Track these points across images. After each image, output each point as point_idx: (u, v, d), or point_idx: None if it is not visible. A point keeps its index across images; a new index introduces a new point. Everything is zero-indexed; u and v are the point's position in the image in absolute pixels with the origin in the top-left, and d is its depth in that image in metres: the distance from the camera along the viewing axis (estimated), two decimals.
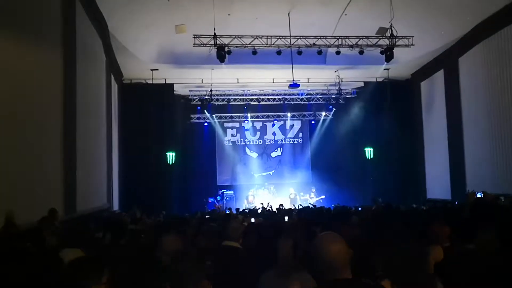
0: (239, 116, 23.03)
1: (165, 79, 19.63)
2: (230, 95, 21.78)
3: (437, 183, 19.05)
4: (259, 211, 14.09)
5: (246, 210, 14.32)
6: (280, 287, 3.57)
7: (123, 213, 13.74)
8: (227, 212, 15.11)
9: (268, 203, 17.38)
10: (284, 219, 9.67)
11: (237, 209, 15.31)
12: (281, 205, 16.00)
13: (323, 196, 20.94)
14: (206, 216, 11.44)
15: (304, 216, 10.19)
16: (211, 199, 21.48)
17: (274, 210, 14.34)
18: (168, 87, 20.15)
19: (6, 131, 7.29)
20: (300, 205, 17.06)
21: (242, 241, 4.93)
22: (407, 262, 2.84)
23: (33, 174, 8.29)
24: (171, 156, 20.19)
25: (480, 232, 3.72)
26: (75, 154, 10.62)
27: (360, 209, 12.80)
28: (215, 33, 14.08)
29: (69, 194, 10.23)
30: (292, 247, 3.90)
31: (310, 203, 18.60)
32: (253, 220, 8.98)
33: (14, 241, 4.68)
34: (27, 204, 7.58)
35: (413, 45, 15.39)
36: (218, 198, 21.61)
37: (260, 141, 24.02)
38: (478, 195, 13.40)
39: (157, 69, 18.15)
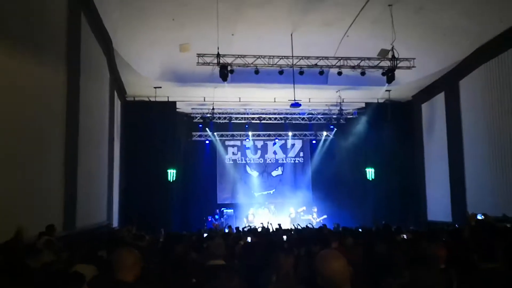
0: (240, 134, 23.11)
1: (168, 97, 19.75)
2: (231, 113, 21.90)
3: (438, 204, 18.99)
4: (259, 230, 14.03)
5: (246, 229, 14.25)
6: None
7: (122, 230, 13.70)
8: (226, 230, 15.05)
9: (268, 222, 17.30)
10: (283, 238, 9.65)
11: (237, 228, 15.23)
12: (279, 224, 15.92)
13: (325, 216, 20.85)
14: (205, 234, 11.39)
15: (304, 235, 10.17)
16: (210, 217, 21.39)
17: (274, 229, 14.29)
18: (170, 105, 20.27)
19: (7, 146, 7.30)
20: (298, 224, 16.98)
21: (239, 259, 4.93)
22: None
23: (33, 189, 8.29)
24: (172, 173, 20.18)
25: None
26: (76, 170, 10.63)
27: (360, 230, 12.77)
28: (218, 52, 14.22)
29: (69, 210, 10.20)
30: (293, 264, 3.92)
31: (310, 223, 18.52)
32: (249, 239, 8.93)
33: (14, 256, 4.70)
34: (27, 220, 7.55)
35: (414, 67, 15.50)
36: (216, 216, 21.52)
37: (261, 160, 24.05)
38: (479, 217, 13.39)
39: (160, 87, 18.29)
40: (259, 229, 14.30)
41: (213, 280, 3.06)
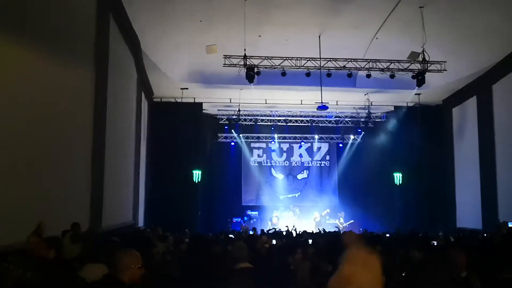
0: (266, 136, 23.02)
1: (194, 98, 19.83)
2: (257, 115, 21.85)
3: (468, 211, 18.50)
4: (284, 233, 13.91)
5: (271, 231, 14.16)
6: None
7: (147, 230, 13.77)
8: (251, 232, 14.98)
9: (293, 226, 17.19)
10: (308, 242, 9.51)
11: (262, 230, 15.14)
12: (305, 231, 15.76)
13: (352, 221, 20.59)
14: (230, 236, 11.35)
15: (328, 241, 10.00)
16: (235, 219, 21.37)
17: (298, 232, 14.15)
18: (197, 106, 20.35)
19: (37, 145, 7.40)
20: (324, 229, 16.79)
21: (264, 261, 4.84)
22: None
23: (60, 189, 8.38)
24: (197, 175, 20.23)
25: None
26: (103, 170, 10.72)
27: (388, 235, 12.52)
28: (245, 54, 14.17)
29: (95, 209, 10.30)
30: (309, 270, 3.82)
31: (336, 227, 18.32)
32: (274, 241, 8.86)
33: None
34: (54, 219, 7.62)
35: (446, 70, 15.13)
36: (245, 218, 21.50)
37: (286, 163, 23.91)
38: (510, 225, 13.00)
39: (187, 88, 18.36)
40: (284, 233, 14.20)
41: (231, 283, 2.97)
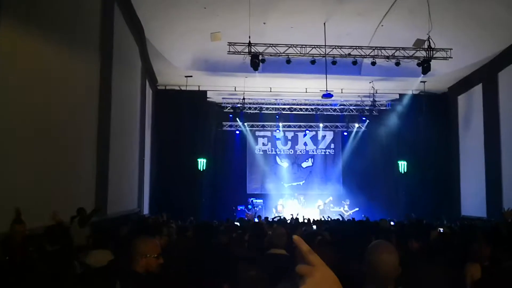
0: (270, 125, 23.01)
1: (198, 86, 19.81)
2: (262, 103, 21.82)
3: (473, 199, 18.48)
4: (288, 221, 13.96)
5: (275, 219, 14.21)
6: None
7: (151, 217, 13.85)
8: (256, 220, 15.04)
9: (297, 214, 17.24)
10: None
11: (266, 218, 15.20)
12: (308, 219, 15.83)
13: (357, 209, 20.64)
14: (235, 223, 11.39)
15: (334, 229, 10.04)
16: (240, 207, 21.45)
17: (303, 220, 14.21)
18: (201, 94, 20.33)
19: (42, 133, 7.43)
20: (329, 217, 16.84)
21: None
22: (445, 279, 2.73)
23: (66, 176, 8.43)
24: (202, 163, 20.29)
25: None
26: (108, 157, 10.78)
27: (392, 223, 12.53)
28: (249, 41, 14.11)
29: (100, 196, 10.36)
30: None
31: (340, 215, 18.36)
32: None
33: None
34: (60, 206, 7.68)
35: (451, 58, 15.02)
36: (250, 206, 21.58)
37: (291, 151, 23.90)
38: None
39: (191, 76, 18.33)
40: (288, 221, 14.24)
41: (234, 271, 2.95)
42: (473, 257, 3.93)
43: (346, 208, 21.08)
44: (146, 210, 17.41)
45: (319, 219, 16.16)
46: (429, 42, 14.26)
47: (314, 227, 10.37)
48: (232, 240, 6.34)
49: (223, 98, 21.52)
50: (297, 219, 14.81)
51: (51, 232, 4.74)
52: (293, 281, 3.43)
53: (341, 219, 15.39)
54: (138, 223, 10.55)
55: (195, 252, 4.96)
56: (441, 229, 8.99)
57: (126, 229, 7.47)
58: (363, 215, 17.84)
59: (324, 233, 7.19)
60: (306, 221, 13.88)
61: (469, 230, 9.30)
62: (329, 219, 15.33)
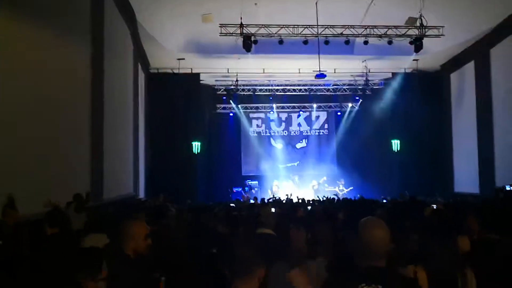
0: (264, 106, 23.00)
1: (191, 69, 19.70)
2: (255, 85, 21.77)
3: (465, 176, 18.68)
4: (284, 202, 14.08)
5: (271, 200, 14.32)
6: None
7: (148, 201, 13.91)
8: (252, 201, 15.14)
9: (291, 194, 17.38)
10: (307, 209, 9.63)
11: (262, 199, 15.31)
12: (303, 199, 15.95)
13: (352, 188, 20.82)
14: (231, 205, 11.48)
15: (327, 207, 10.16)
16: (236, 189, 21.56)
17: (297, 200, 14.32)
18: (194, 77, 20.23)
19: (35, 119, 7.40)
20: (324, 196, 16.97)
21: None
22: (440, 251, 2.80)
23: (61, 162, 8.43)
24: (196, 146, 20.31)
25: None
26: (102, 142, 10.77)
27: (385, 201, 12.67)
28: (241, 23, 14.04)
29: (96, 181, 10.38)
30: (305, 237, 3.87)
31: (335, 195, 18.52)
32: (273, 210, 8.94)
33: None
34: (56, 191, 7.71)
35: (443, 35, 15.03)
36: (246, 188, 21.68)
37: (285, 132, 23.95)
38: (508, 188, 13.18)
39: (184, 59, 18.22)
40: (284, 201, 14.36)
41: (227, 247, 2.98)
42: (463, 231, 4.02)
43: (341, 187, 21.24)
44: (142, 194, 17.46)
45: (313, 199, 16.29)
46: (421, 20, 14.27)
47: (309, 208, 10.46)
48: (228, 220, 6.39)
49: (216, 81, 21.44)
50: (291, 199, 14.94)
51: (51, 216, 4.76)
52: (286, 262, 3.51)
53: (336, 198, 15.51)
54: (136, 207, 10.59)
55: (194, 238, 5.02)
56: (435, 206, 9.11)
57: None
58: (358, 194, 17.98)
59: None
60: (300, 201, 13.99)
61: (459, 205, 9.45)
62: (325, 198, 15.45)
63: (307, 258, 3.76)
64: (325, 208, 9.62)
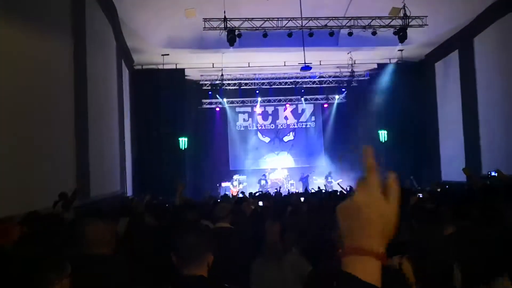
0: (250, 100, 22.95)
1: (176, 64, 19.55)
2: (241, 79, 21.69)
3: (452, 165, 18.80)
4: (273, 195, 14.07)
5: (257, 194, 14.30)
6: (273, 273, 3.55)
7: (135, 199, 13.79)
8: (240, 195, 15.10)
9: (280, 187, 17.38)
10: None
11: (250, 193, 15.28)
12: (288, 190, 15.96)
13: (341, 180, 20.87)
14: (218, 200, 11.42)
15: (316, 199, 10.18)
16: (224, 184, 21.51)
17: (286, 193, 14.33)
18: (179, 72, 20.08)
19: (18, 118, 7.29)
20: (313, 188, 17.00)
21: (252, 224, 4.88)
22: (427, 241, 2.79)
23: (46, 160, 8.31)
24: (183, 142, 20.20)
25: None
26: (87, 140, 10.65)
27: None
28: (225, 16, 13.94)
29: (82, 180, 10.27)
30: (279, 231, 3.87)
31: (323, 185, 18.56)
32: (261, 203, 8.93)
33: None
34: (41, 190, 7.62)
35: (427, 25, 15.07)
36: (235, 183, 21.63)
37: (272, 126, 23.95)
38: (493, 174, 13.31)
39: (168, 54, 18.08)
40: (273, 194, 14.35)
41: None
42: (445, 218, 4.02)
43: (330, 179, 21.30)
44: (129, 192, 17.34)
45: (302, 191, 16.32)
46: (405, 10, 14.27)
47: (302, 199, 10.48)
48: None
49: (201, 76, 21.30)
50: (280, 193, 14.93)
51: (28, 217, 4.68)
52: (269, 256, 3.49)
53: (324, 190, 15.54)
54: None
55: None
56: (421, 195, 9.15)
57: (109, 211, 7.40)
58: (346, 186, 18.02)
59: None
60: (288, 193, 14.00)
61: (444, 194, 9.52)
62: (314, 191, 15.47)
63: (283, 251, 3.77)
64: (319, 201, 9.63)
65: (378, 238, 0.96)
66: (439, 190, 12.17)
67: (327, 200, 9.22)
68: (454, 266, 2.91)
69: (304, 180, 21.44)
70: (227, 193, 18.74)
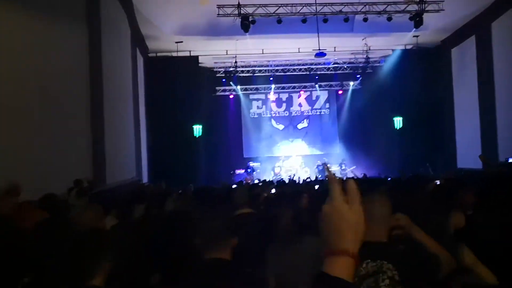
0: (264, 87, 22.89)
1: (190, 52, 19.55)
2: (255, 66, 21.62)
3: (468, 152, 18.60)
4: (287, 182, 14.08)
5: (273, 181, 14.32)
6: (289, 258, 3.57)
7: (151, 185, 13.92)
8: (256, 182, 15.15)
9: (293, 174, 17.40)
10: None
11: (263, 181, 15.31)
12: (308, 177, 15.97)
13: (354, 167, 20.84)
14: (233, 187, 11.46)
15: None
16: (238, 171, 21.58)
17: (301, 181, 14.33)
18: (193, 60, 20.08)
19: (34, 106, 7.39)
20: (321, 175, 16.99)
21: (258, 209, 4.90)
22: (431, 227, 2.78)
23: (62, 148, 8.42)
24: (197, 129, 20.28)
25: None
26: (103, 127, 10.75)
27: (389, 179, 12.65)
28: (239, 3, 13.89)
29: (98, 167, 10.39)
30: (292, 217, 3.87)
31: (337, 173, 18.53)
32: (273, 190, 8.93)
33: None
34: (58, 179, 7.71)
35: (443, 10, 14.86)
36: (249, 170, 21.69)
37: (286, 113, 23.88)
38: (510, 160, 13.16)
39: (182, 42, 18.08)
40: (287, 182, 14.36)
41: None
42: (458, 206, 3.98)
43: (344, 166, 21.26)
44: (145, 179, 17.50)
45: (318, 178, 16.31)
46: None
47: (317, 186, 10.46)
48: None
49: (215, 63, 21.28)
50: (294, 180, 14.93)
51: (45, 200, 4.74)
52: (285, 241, 3.50)
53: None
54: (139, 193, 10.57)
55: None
56: (438, 182, 9.08)
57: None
58: (361, 173, 17.99)
59: None
60: (304, 181, 14.00)
61: (459, 180, 9.40)
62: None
63: (296, 235, 3.78)
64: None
65: (350, 240, 1.12)
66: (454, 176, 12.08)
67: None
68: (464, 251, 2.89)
69: (321, 170, 21.43)
70: (242, 180, 18.79)
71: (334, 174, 1.19)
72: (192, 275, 2.40)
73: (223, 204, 5.04)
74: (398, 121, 20.75)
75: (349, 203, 1.15)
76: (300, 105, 23.90)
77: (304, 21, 15.09)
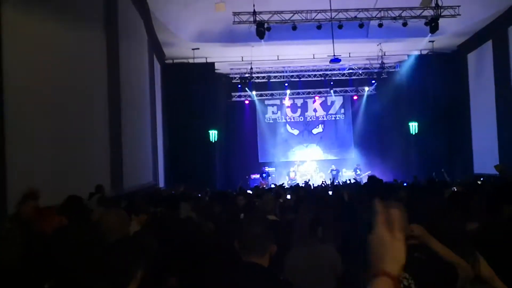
0: (279, 93, 23.00)
1: (206, 58, 19.76)
2: (270, 72, 21.75)
3: (485, 157, 18.45)
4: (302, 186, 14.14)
5: (288, 186, 14.40)
6: (305, 263, 3.64)
7: (171, 189, 14.09)
8: (272, 186, 15.24)
9: (309, 179, 17.45)
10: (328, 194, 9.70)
11: (280, 185, 15.39)
12: (324, 181, 16.02)
13: (369, 172, 20.79)
14: (248, 191, 11.58)
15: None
16: (253, 176, 21.69)
17: (317, 185, 14.38)
18: (209, 66, 20.29)
19: (52, 111, 7.51)
20: (341, 181, 17.00)
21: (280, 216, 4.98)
22: (447, 235, 2.81)
23: (80, 153, 8.57)
24: (213, 134, 20.45)
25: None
26: (121, 132, 10.91)
27: (405, 184, 12.64)
28: (254, 10, 14.01)
29: (116, 171, 10.54)
30: (310, 221, 3.93)
31: (352, 178, 18.51)
32: (288, 196, 9.00)
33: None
34: (76, 183, 7.84)
35: (459, 15, 14.80)
36: (264, 175, 21.80)
37: (301, 118, 23.95)
38: None
39: (198, 48, 18.28)
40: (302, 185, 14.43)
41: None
42: (473, 212, 4.00)
43: (359, 171, 21.23)
44: (161, 183, 17.69)
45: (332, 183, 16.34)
46: (436, 0, 14.04)
47: (330, 192, 10.53)
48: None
49: (231, 69, 21.47)
50: (309, 185, 14.99)
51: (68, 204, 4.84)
52: (306, 246, 3.58)
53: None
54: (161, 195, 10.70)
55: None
56: (455, 188, 9.06)
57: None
58: (367, 173, 17.97)
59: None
60: (320, 185, 14.06)
61: (476, 187, 9.35)
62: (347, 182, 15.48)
63: (312, 242, 3.85)
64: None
65: (390, 264, 1.29)
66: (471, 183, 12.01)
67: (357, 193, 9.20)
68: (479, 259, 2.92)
69: (335, 174, 21.43)
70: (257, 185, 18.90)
71: (380, 206, 1.35)
72: (228, 276, 2.46)
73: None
74: (413, 126, 20.65)
75: (392, 231, 1.32)
76: (315, 110, 23.96)
77: (319, 27, 15.16)
